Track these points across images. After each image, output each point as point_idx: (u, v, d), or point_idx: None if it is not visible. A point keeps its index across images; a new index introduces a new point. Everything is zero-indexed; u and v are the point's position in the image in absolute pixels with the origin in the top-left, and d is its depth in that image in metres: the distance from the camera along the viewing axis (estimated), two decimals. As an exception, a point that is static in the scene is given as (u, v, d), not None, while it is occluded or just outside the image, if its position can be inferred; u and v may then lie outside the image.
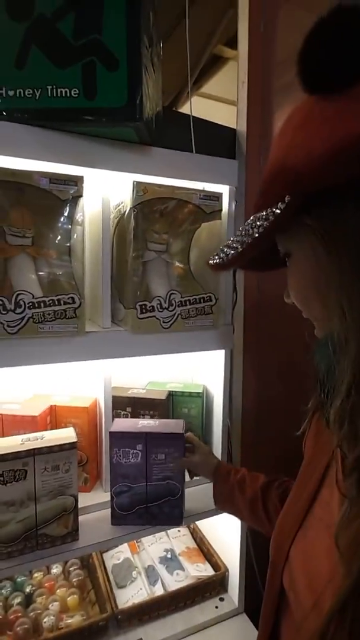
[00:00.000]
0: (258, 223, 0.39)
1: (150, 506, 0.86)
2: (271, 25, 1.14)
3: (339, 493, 0.41)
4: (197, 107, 2.02)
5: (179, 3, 1.08)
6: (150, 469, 0.84)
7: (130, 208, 0.80)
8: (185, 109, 1.06)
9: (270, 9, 1.13)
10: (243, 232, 0.42)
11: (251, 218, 0.42)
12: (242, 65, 1.15)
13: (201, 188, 0.88)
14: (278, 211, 0.37)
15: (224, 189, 0.92)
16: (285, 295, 0.48)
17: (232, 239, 0.45)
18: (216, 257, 0.46)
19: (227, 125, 1.11)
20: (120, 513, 0.86)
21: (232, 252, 0.43)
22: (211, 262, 0.47)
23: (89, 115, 0.67)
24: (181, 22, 1.22)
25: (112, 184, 0.81)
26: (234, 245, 0.43)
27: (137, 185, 0.79)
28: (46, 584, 1.03)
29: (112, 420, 0.92)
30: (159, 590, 1.02)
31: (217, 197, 0.87)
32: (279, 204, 0.37)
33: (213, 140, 1.03)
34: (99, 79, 0.66)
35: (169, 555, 1.12)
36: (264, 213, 0.39)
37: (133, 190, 0.79)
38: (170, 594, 1.00)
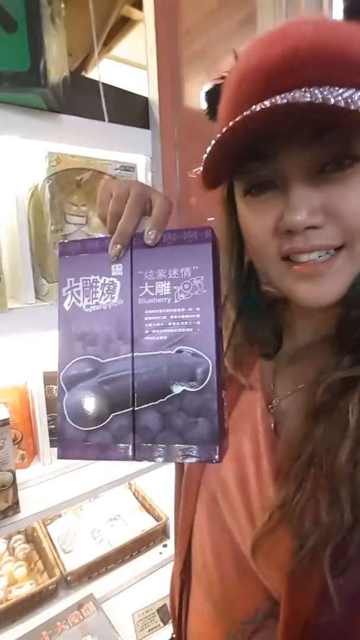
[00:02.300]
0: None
1: (140, 410, 0.35)
2: (176, -9, 1.13)
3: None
4: (107, 70, 1.96)
5: None
6: (139, 317, 0.36)
7: (45, 179, 0.79)
8: (95, 73, 1.03)
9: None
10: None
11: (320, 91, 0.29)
12: (149, 31, 1.14)
13: (115, 159, 0.89)
14: None
15: (139, 159, 0.93)
16: (310, 215, 0.33)
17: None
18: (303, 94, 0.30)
19: (139, 92, 1.10)
20: (76, 430, 0.36)
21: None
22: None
23: (-11, 80, 0.64)
24: (83, -22, 1.17)
25: (24, 156, 0.78)
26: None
27: (50, 156, 0.77)
28: (-9, 563, 1.04)
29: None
30: (106, 549, 1.08)
31: (133, 167, 0.88)
32: None
33: (125, 109, 1.02)
34: (-4, 40, 0.62)
35: (112, 516, 1.19)
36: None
37: (46, 161, 0.77)
38: (117, 549, 1.07)
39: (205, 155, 0.34)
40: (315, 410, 0.37)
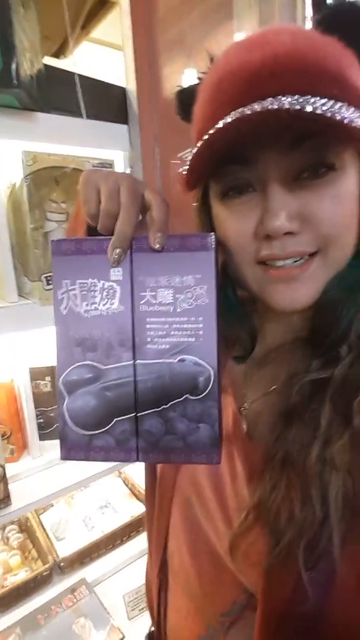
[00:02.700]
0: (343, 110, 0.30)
1: (143, 416, 0.36)
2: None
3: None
4: (87, 53, 1.91)
5: None
6: (141, 325, 0.36)
7: (22, 178, 0.79)
8: (74, 57, 1.01)
9: None
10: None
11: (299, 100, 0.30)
12: (125, 17, 1.12)
13: (93, 155, 0.89)
14: None
15: (117, 155, 0.93)
16: (289, 220, 0.34)
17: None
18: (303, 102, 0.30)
19: (120, 73, 1.08)
20: (79, 434, 0.37)
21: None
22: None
23: None
24: None
25: (0, 155, 0.78)
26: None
27: (26, 155, 0.77)
28: (-14, 553, 1.07)
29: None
30: (97, 535, 1.12)
31: (110, 164, 0.88)
32: None
33: (103, 101, 1.01)
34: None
35: (103, 504, 1.23)
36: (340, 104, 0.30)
37: (22, 160, 0.77)
38: (108, 535, 1.11)
39: (191, 155, 0.35)
40: (287, 412, 0.38)
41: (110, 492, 1.28)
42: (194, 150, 0.34)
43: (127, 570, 1.10)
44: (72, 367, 0.37)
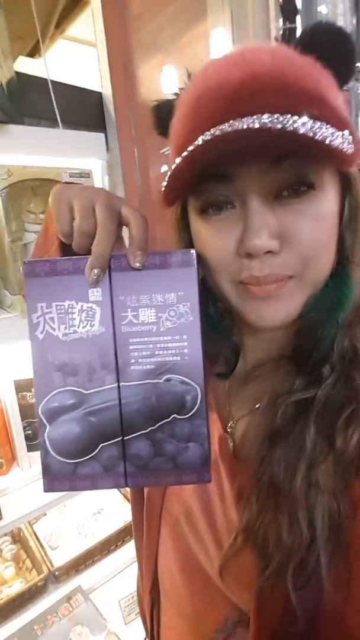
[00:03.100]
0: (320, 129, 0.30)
1: (130, 439, 0.35)
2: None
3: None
4: (62, 52, 1.86)
5: None
6: (123, 346, 0.35)
7: (-3, 192, 0.77)
8: (49, 56, 0.99)
9: None
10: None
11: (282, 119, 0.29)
12: (96, 18, 1.10)
13: (69, 166, 0.88)
14: (350, 138, 0.31)
15: (94, 164, 0.92)
16: (270, 238, 0.33)
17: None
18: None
19: (94, 76, 1.07)
20: (63, 463, 0.35)
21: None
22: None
23: None
24: None
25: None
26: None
27: (0, 169, 0.76)
28: (-21, 566, 1.07)
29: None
30: (91, 542, 1.12)
31: (88, 173, 0.87)
32: (345, 132, 0.31)
33: (78, 107, 1.00)
34: None
35: (96, 510, 1.23)
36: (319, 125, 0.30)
37: (-4, 174, 0.76)
38: (102, 542, 1.11)
39: (170, 172, 0.34)
40: (272, 433, 0.38)
41: (103, 498, 1.28)
42: (173, 167, 0.34)
43: (122, 575, 1.11)
44: (52, 394, 0.35)
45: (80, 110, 0.98)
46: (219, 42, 1.11)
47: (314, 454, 0.35)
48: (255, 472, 0.38)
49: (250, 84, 0.32)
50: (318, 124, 0.30)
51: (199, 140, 0.31)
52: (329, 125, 0.31)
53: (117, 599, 1.04)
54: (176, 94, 0.41)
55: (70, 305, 0.34)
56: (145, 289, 0.34)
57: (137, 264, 0.33)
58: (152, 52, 1.23)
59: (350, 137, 0.31)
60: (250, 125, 0.29)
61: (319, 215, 0.34)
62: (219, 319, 0.46)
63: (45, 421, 0.35)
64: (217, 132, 0.30)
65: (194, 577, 0.46)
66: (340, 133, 0.31)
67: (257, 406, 0.43)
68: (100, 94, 1.08)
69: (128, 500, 1.27)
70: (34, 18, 1.22)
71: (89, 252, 0.34)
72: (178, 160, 0.33)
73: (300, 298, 0.37)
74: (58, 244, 0.39)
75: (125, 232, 0.38)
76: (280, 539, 0.34)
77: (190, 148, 0.32)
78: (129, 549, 1.15)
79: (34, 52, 1.86)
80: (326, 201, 0.35)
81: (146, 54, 1.21)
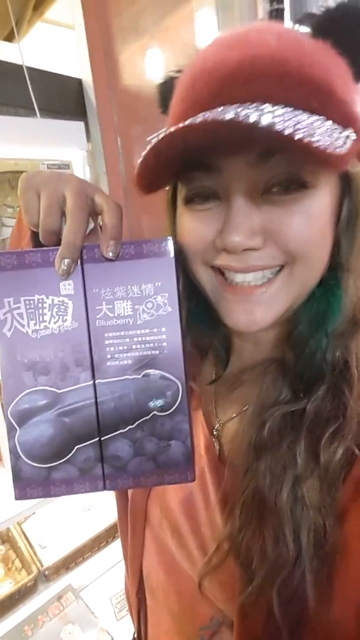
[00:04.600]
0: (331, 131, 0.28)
1: (108, 440, 0.34)
2: None
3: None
4: (42, 36, 1.80)
5: None
6: (99, 341, 0.33)
7: (-29, 185, 0.74)
8: (28, 40, 0.94)
9: None
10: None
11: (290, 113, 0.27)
12: (75, 3, 1.05)
13: (47, 157, 0.84)
14: (353, 136, 0.29)
15: (74, 154, 0.88)
16: (250, 236, 0.32)
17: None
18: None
19: (73, 69, 1.02)
20: (35, 468, 0.33)
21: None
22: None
23: None
24: None
25: None
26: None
27: (-27, 160, 0.72)
28: (-33, 568, 1.05)
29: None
30: (81, 539, 1.11)
31: (67, 165, 0.84)
32: (348, 131, 0.29)
33: (57, 94, 0.96)
34: None
35: (86, 507, 1.22)
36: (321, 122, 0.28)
37: (-31, 166, 0.72)
38: (92, 539, 1.11)
39: (140, 160, 0.31)
40: (259, 444, 0.37)
41: (92, 494, 1.27)
42: (143, 153, 0.31)
43: (113, 571, 1.11)
44: (22, 394, 0.33)
45: (59, 97, 0.94)
46: (204, 24, 1.07)
47: (300, 469, 0.34)
48: (240, 483, 0.37)
49: (246, 69, 0.30)
50: (312, 121, 0.28)
51: (172, 128, 0.29)
52: (328, 120, 0.29)
53: (108, 596, 1.04)
54: (179, 71, 0.38)
55: (40, 300, 0.32)
56: (121, 281, 0.32)
57: (111, 254, 0.31)
58: (134, 35, 1.19)
59: (355, 135, 0.29)
60: (221, 118, 0.27)
61: (310, 213, 0.32)
62: (207, 311, 0.43)
63: (15, 424, 0.33)
64: (187, 123, 0.28)
65: (179, 578, 0.46)
66: (338, 130, 0.29)
67: (244, 409, 0.42)
68: (79, 80, 1.04)
69: (118, 496, 1.26)
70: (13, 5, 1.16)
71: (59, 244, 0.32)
72: (146, 149, 0.30)
73: (282, 303, 0.35)
74: (30, 235, 0.36)
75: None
76: (265, 555, 0.33)
77: (155, 140, 0.29)
78: (119, 546, 1.15)
79: (11, 37, 1.79)
80: (319, 200, 0.32)
81: (128, 37, 1.16)
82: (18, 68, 0.88)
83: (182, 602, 0.46)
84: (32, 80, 0.88)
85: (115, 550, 1.14)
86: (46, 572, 1.04)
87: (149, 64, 1.15)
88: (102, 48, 1.07)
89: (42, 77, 0.93)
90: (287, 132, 0.26)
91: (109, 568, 1.10)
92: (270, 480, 0.35)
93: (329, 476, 0.33)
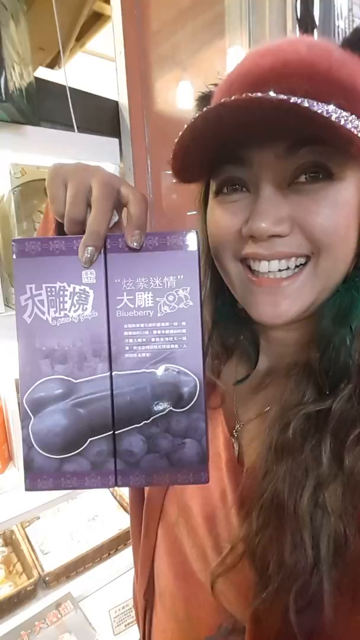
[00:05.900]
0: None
1: (122, 434, 0.33)
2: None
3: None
4: (82, 65, 1.92)
5: None
6: (117, 332, 0.33)
7: (10, 190, 0.79)
8: (69, 68, 1.01)
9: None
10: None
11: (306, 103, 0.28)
12: (117, 30, 1.13)
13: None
14: None
15: (108, 168, 0.93)
16: (276, 224, 0.33)
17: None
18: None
19: (112, 89, 1.09)
20: (47, 459, 0.33)
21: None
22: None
23: None
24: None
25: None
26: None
27: (14, 167, 0.78)
28: (-31, 567, 1.05)
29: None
30: (84, 548, 1.10)
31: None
32: None
33: (94, 114, 1.02)
34: None
35: (91, 516, 1.21)
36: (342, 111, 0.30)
37: (10, 173, 0.77)
38: (94, 549, 1.09)
39: (176, 140, 0.32)
40: (279, 446, 0.36)
41: (98, 505, 1.26)
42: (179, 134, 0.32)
43: (113, 584, 1.08)
44: (38, 382, 0.32)
45: (96, 117, 1.00)
46: (236, 59, 1.14)
47: (322, 473, 0.33)
48: (258, 485, 0.36)
49: (279, 70, 0.32)
50: (340, 111, 0.29)
51: (205, 108, 0.30)
52: (354, 117, 0.30)
53: (107, 608, 1.01)
54: (216, 85, 0.41)
55: (62, 287, 0.32)
56: (143, 272, 0.32)
57: (135, 244, 0.31)
58: (169, 66, 1.27)
59: None
60: (253, 94, 0.28)
61: (336, 203, 0.33)
62: (234, 308, 0.43)
63: (29, 412, 0.32)
64: (222, 101, 0.29)
65: (188, 582, 0.45)
66: None
67: (266, 410, 0.42)
68: (116, 102, 1.10)
69: (123, 508, 1.25)
70: (56, 30, 1.26)
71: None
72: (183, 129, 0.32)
73: (308, 296, 0.35)
74: (55, 226, 0.37)
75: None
76: (282, 560, 0.32)
77: (194, 118, 0.30)
78: (121, 558, 1.13)
79: (54, 64, 1.92)
80: (345, 192, 0.33)
81: (164, 67, 1.24)
82: (61, 88, 0.95)
83: (189, 609, 0.45)
84: (73, 100, 0.95)
85: (117, 563, 1.12)
86: (47, 578, 1.03)
87: (181, 92, 1.23)
88: (139, 75, 1.15)
89: (82, 98, 1.00)
90: (319, 110, 0.27)
91: (110, 581, 1.08)
92: (291, 484, 0.34)
93: (352, 481, 0.32)
